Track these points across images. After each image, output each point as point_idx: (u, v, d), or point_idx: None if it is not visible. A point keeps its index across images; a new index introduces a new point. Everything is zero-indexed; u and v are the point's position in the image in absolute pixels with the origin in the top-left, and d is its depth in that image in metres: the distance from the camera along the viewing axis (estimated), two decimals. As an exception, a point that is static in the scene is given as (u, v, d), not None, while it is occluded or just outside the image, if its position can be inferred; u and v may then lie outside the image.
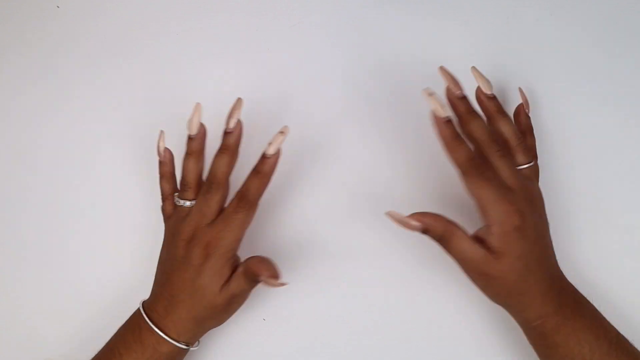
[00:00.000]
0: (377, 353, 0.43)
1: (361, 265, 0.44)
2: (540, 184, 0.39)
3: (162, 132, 0.43)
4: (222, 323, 0.40)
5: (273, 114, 0.47)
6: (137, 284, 0.44)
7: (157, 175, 0.46)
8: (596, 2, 0.47)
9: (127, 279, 0.45)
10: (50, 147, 0.49)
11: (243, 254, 0.39)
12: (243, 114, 0.47)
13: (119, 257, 0.46)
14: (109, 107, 0.49)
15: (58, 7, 0.52)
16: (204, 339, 0.40)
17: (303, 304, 0.44)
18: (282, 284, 0.36)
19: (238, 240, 0.38)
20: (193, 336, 0.39)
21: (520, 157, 0.39)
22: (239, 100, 0.40)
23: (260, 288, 0.41)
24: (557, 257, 0.38)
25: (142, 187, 0.47)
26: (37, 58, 0.51)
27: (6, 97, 0.50)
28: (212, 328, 0.40)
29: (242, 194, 0.38)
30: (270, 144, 0.38)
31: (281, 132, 0.39)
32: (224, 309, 0.38)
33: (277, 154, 0.39)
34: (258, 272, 0.37)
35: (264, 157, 0.39)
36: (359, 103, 0.47)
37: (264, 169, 0.38)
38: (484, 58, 0.47)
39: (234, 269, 0.38)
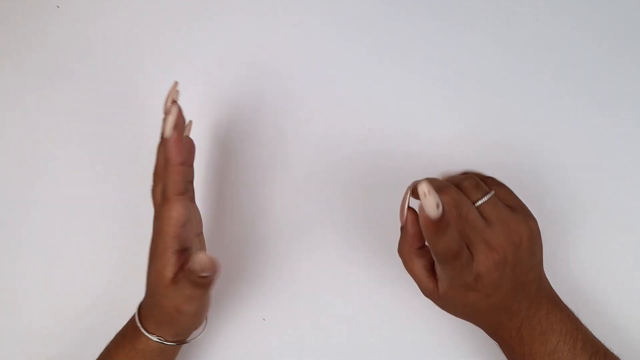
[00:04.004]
0: (377, 353, 0.42)
1: (362, 265, 0.44)
2: (540, 184, 0.39)
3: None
4: (196, 324, 0.37)
5: (273, 114, 0.47)
6: (138, 285, 0.44)
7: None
8: (596, 2, 0.47)
9: (128, 280, 0.45)
10: (49, 147, 0.49)
11: (245, 253, 0.39)
12: (243, 114, 0.48)
13: (121, 258, 0.46)
14: (109, 107, 0.49)
15: (58, 7, 0.52)
16: (203, 338, 0.40)
17: (303, 304, 0.44)
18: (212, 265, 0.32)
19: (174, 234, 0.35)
20: (173, 335, 0.37)
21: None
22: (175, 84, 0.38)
23: (260, 288, 0.40)
24: (556, 258, 0.38)
25: (142, 187, 0.47)
26: (37, 58, 0.51)
27: (6, 97, 0.50)
28: (189, 329, 0.38)
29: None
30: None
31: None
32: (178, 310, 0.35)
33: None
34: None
35: None
36: (359, 103, 0.47)
37: None
38: (484, 58, 0.47)
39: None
